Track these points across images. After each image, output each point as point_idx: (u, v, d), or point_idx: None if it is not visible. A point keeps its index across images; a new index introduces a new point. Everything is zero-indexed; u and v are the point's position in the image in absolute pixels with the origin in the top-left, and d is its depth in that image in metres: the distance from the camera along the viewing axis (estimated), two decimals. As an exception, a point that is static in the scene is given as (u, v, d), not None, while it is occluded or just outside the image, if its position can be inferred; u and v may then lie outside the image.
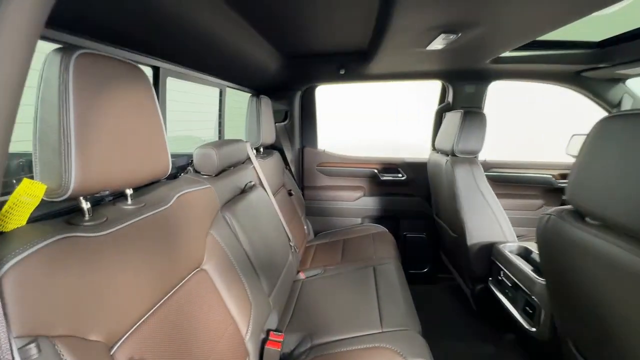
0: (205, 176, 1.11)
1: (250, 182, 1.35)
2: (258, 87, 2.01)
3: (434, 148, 2.09)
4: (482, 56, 1.45)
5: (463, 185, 1.46)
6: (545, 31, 1.04)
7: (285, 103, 2.10)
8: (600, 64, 1.49)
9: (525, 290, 1.15)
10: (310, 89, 2.13)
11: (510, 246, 1.37)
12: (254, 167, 1.48)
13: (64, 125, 0.50)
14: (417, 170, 2.15)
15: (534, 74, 1.75)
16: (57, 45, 0.56)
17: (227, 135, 1.77)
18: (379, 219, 2.21)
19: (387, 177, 2.18)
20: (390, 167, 2.19)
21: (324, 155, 2.23)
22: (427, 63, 1.66)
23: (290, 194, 1.95)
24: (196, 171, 1.12)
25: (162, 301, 0.68)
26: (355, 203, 2.19)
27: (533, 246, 1.33)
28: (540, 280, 1.07)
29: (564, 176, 2.04)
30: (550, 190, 2.07)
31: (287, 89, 2.07)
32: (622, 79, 1.75)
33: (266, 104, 1.74)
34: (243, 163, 1.44)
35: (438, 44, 1.15)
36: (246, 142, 1.48)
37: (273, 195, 1.58)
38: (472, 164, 1.48)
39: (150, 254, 0.66)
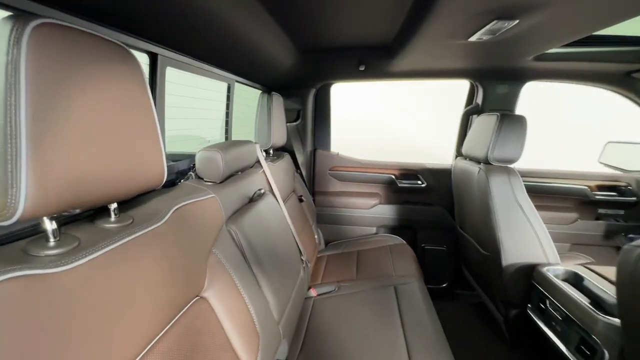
0: (208, 183, 0.96)
1: (260, 189, 1.20)
2: (270, 84, 1.86)
3: (458, 154, 1.92)
4: (527, 51, 1.28)
5: (499, 198, 1.29)
6: (617, 21, 0.87)
7: (298, 101, 1.95)
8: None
9: (582, 326, 0.97)
10: (325, 86, 1.98)
11: (555, 270, 1.20)
12: (263, 172, 1.33)
13: (11, 120, 0.36)
14: (438, 178, 1.98)
15: (577, 74, 1.57)
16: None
17: (236, 136, 1.62)
18: (395, 229, 2.05)
19: (405, 184, 2.01)
20: (409, 173, 2.02)
21: (337, 159, 2.08)
22: (456, 60, 1.49)
23: (300, 200, 1.80)
24: (198, 177, 0.97)
25: (154, 341, 0.53)
26: (370, 211, 2.03)
27: (582, 270, 1.16)
28: (606, 318, 0.90)
29: (600, 187, 1.86)
30: (585, 203, 1.89)
31: (300, 86, 1.92)
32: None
33: (278, 102, 1.59)
34: (252, 167, 1.29)
35: (485, 33, 0.98)
36: (255, 143, 1.33)
37: (283, 202, 1.43)
38: (510, 174, 1.30)
39: (139, 286, 0.52)
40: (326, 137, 2.08)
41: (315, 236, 1.90)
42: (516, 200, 1.28)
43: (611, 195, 1.84)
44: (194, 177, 0.98)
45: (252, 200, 1.12)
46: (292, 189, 1.75)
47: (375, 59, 1.59)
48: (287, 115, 1.97)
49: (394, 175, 2.02)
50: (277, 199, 1.34)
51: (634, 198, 1.80)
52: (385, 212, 2.02)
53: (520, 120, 1.33)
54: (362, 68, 1.63)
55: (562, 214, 1.88)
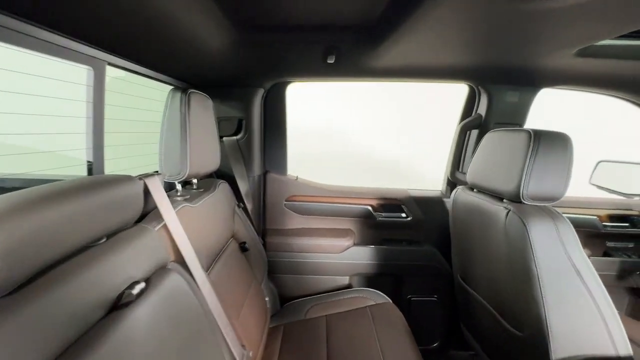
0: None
1: (136, 283, 0.59)
2: (192, 79, 1.27)
3: (453, 179, 1.49)
4: (571, 41, 0.87)
5: (547, 259, 0.85)
6: None
7: (240, 107, 1.37)
8: None
9: None
10: (278, 86, 1.43)
11: None
12: (164, 227, 0.74)
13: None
14: (427, 209, 1.53)
15: (606, 80, 1.23)
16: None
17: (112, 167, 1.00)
18: (374, 278, 1.55)
19: (386, 218, 1.53)
20: (390, 203, 1.55)
21: (296, 185, 1.53)
22: (460, 54, 1.06)
23: (244, 249, 1.22)
24: None
25: None
26: (341, 256, 1.51)
27: None
28: None
29: (611, 217, 1.56)
30: (594, 236, 1.58)
31: (242, 85, 1.35)
32: None
33: (203, 105, 1.01)
34: (130, 228, 0.68)
35: None
36: (153, 175, 0.74)
37: (216, 256, 0.89)
38: (557, 220, 0.87)
39: None
40: (281, 155, 1.53)
41: (267, 298, 1.32)
42: (571, 261, 0.85)
43: (622, 227, 1.54)
44: None
45: (117, 307, 0.52)
46: (231, 233, 1.17)
47: (350, 48, 1.09)
48: (223, 126, 1.38)
49: (371, 206, 1.54)
50: (191, 275, 0.75)
51: None
52: (361, 255, 1.52)
53: (565, 140, 0.91)
54: (331, 60, 1.12)
55: None
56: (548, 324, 0.85)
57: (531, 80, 1.26)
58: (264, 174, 1.52)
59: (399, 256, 1.53)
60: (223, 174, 1.38)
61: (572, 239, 0.86)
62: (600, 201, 1.58)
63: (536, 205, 0.92)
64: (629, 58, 1.01)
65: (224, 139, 1.38)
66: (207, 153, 1.03)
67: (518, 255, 0.89)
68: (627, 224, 1.54)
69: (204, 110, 1.01)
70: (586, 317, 0.84)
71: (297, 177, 1.56)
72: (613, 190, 1.69)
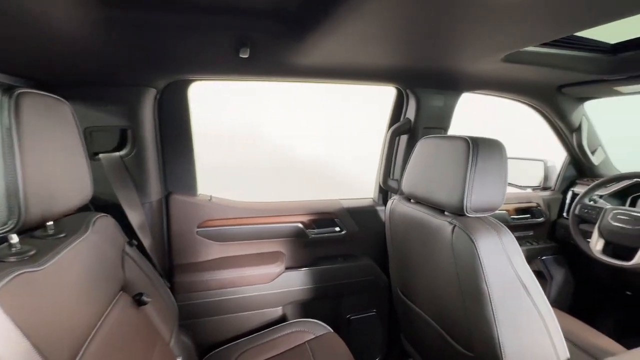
0: None
1: None
2: (42, 77, 0.89)
3: (386, 187, 1.42)
4: (504, 44, 0.84)
5: (496, 277, 0.79)
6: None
7: (121, 113, 1.02)
8: (614, 75, 1.11)
9: None
10: (176, 86, 1.12)
11: None
12: None
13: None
14: (361, 220, 1.43)
15: (514, 85, 1.30)
16: None
17: None
18: (310, 304, 1.38)
19: (318, 234, 1.38)
20: (322, 217, 1.39)
21: (210, 207, 1.25)
22: (387, 55, 0.96)
23: (140, 302, 0.90)
24: None
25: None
26: (272, 285, 1.29)
27: None
28: None
29: (517, 211, 1.71)
30: None
31: (121, 85, 1.00)
32: (583, 100, 1.50)
33: (50, 111, 0.67)
34: None
35: None
36: None
37: (91, 331, 0.60)
38: (500, 232, 0.83)
39: None
40: (187, 171, 1.22)
41: (179, 359, 1.02)
42: (517, 276, 0.81)
43: (525, 218, 1.71)
44: None
45: None
46: (120, 286, 0.84)
47: (267, 41, 0.88)
48: (97, 138, 1.02)
49: (302, 222, 1.36)
50: None
51: (542, 218, 1.72)
52: (295, 280, 1.33)
53: (500, 147, 0.88)
54: (244, 54, 0.88)
55: None
56: (501, 344, 0.80)
57: (456, 85, 1.25)
58: (166, 196, 1.19)
59: (336, 275, 1.39)
60: (104, 204, 1.01)
61: (515, 250, 0.83)
62: (509, 196, 1.72)
63: (479, 218, 0.87)
64: (547, 65, 1.06)
65: (101, 156, 1.01)
66: (63, 180, 0.69)
67: (468, 274, 0.82)
68: (528, 215, 1.71)
69: (53, 119, 0.67)
70: (535, 333, 0.82)
71: (210, 197, 1.27)
72: (511, 184, 1.88)
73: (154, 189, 1.12)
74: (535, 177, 1.79)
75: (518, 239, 1.75)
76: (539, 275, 1.76)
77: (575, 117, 1.52)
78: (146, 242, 1.07)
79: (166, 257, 1.22)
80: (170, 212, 1.20)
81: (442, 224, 0.89)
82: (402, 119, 1.34)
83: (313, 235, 1.36)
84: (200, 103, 1.26)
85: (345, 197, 1.48)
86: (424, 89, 1.25)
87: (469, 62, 1.01)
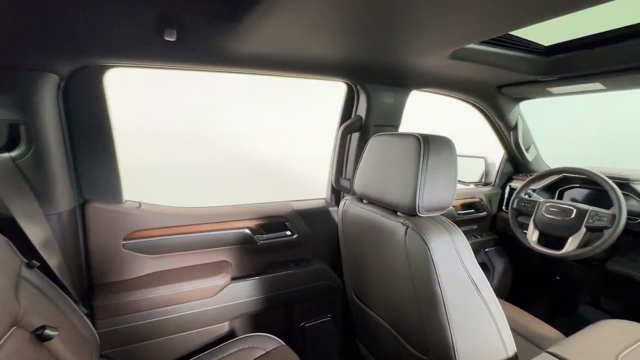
0: None
1: None
2: None
3: (338, 187, 1.36)
4: (451, 39, 0.82)
5: (449, 279, 0.77)
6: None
7: (10, 105, 0.81)
8: (547, 76, 1.17)
9: None
10: (87, 73, 0.93)
11: None
12: None
13: None
14: (313, 222, 1.36)
15: (459, 84, 1.32)
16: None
17: None
18: (261, 315, 1.28)
19: (267, 240, 1.28)
20: (272, 221, 1.30)
21: (140, 216, 1.08)
22: (334, 47, 0.91)
23: (43, 337, 0.72)
24: None
25: None
26: (217, 299, 1.16)
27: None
28: None
29: (463, 206, 1.77)
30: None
31: (11, 69, 0.80)
32: (519, 100, 1.59)
33: None
34: None
35: None
36: None
37: None
38: (452, 232, 0.81)
39: None
40: (109, 174, 1.04)
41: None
42: (469, 275, 0.80)
43: (470, 213, 1.78)
44: None
45: None
46: (11, 320, 0.66)
47: (198, 22, 0.76)
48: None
49: (249, 228, 1.25)
50: None
51: (485, 212, 1.81)
52: (242, 291, 1.21)
53: (449, 144, 0.86)
54: (170, 37, 0.75)
55: None
56: (454, 346, 0.79)
57: (405, 82, 1.23)
58: (82, 205, 1.00)
59: (287, 282, 1.30)
60: None
61: (466, 249, 0.82)
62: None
63: (431, 218, 0.85)
64: (488, 64, 1.08)
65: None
66: None
67: (422, 277, 0.79)
68: (473, 210, 1.78)
69: None
70: (486, 331, 0.82)
71: (140, 203, 1.10)
72: (458, 181, 1.96)
73: (63, 197, 0.93)
74: (477, 173, 1.88)
75: (464, 233, 1.84)
76: (483, 266, 1.86)
77: (512, 117, 1.61)
78: (53, 261, 0.88)
79: (84, 277, 1.02)
80: (87, 223, 1.01)
81: (395, 225, 0.86)
82: (353, 116, 1.29)
83: (262, 241, 1.25)
84: (134, 94, 1.08)
85: (298, 198, 1.40)
86: (374, 85, 1.22)
87: (418, 57, 0.98)
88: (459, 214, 1.74)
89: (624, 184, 1.33)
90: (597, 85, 1.18)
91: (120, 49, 0.84)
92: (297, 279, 1.32)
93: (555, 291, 1.85)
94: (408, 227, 0.81)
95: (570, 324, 1.72)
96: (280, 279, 1.29)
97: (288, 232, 1.31)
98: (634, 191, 1.32)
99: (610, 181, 1.27)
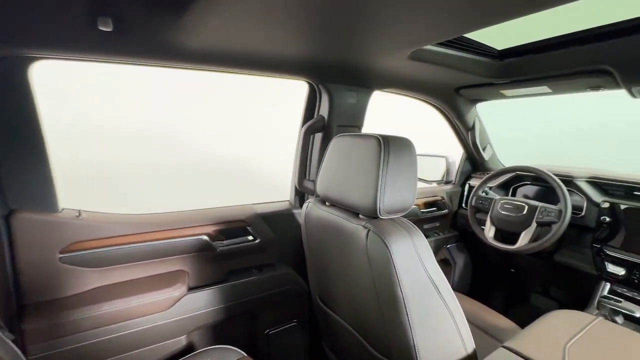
0: None
1: None
2: None
3: (302, 188, 1.33)
4: (409, 40, 0.82)
5: (410, 281, 0.76)
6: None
7: None
8: (500, 79, 1.22)
9: None
10: (8, 65, 0.81)
11: None
12: None
13: None
14: (277, 225, 1.31)
15: (421, 85, 1.33)
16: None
17: None
18: (222, 325, 1.21)
19: (228, 246, 1.21)
20: (232, 226, 1.23)
21: (79, 226, 0.97)
22: (293, 44, 0.87)
23: None
24: None
25: None
26: (172, 312, 1.08)
27: None
28: None
29: (426, 204, 1.82)
30: (415, 223, 1.80)
31: None
32: (476, 102, 1.65)
33: None
34: None
35: None
36: None
37: None
38: (412, 234, 0.81)
39: None
40: (40, 179, 0.92)
41: None
42: (429, 276, 0.80)
43: (432, 211, 1.83)
44: None
45: None
46: None
47: (136, 10, 0.68)
48: None
49: (207, 234, 1.17)
50: None
51: (446, 210, 1.86)
52: (201, 302, 1.14)
53: (409, 145, 0.86)
54: (105, 27, 0.67)
55: None
56: (416, 347, 0.78)
57: (367, 82, 1.23)
58: (6, 216, 0.88)
59: (250, 289, 1.25)
60: None
61: (426, 250, 0.82)
62: (418, 191, 1.81)
63: (392, 220, 0.84)
64: (447, 66, 1.09)
65: None
66: None
67: (383, 280, 0.78)
68: (435, 208, 1.83)
69: None
70: (446, 331, 0.82)
71: (79, 211, 0.99)
72: (419, 179, 2.01)
73: None
74: (439, 171, 1.93)
75: (427, 230, 1.88)
76: (445, 262, 1.92)
77: (470, 118, 1.67)
78: None
79: (12, 297, 0.90)
80: (14, 236, 0.89)
81: (357, 228, 0.84)
82: (315, 116, 1.26)
83: (222, 248, 1.19)
84: (77, 88, 0.97)
85: (260, 201, 1.34)
86: (336, 85, 1.20)
87: (378, 58, 0.98)
88: (422, 212, 1.77)
89: (569, 181, 1.42)
90: (545, 89, 1.25)
91: (46, 38, 0.74)
92: (260, 285, 1.27)
93: (511, 283, 1.96)
94: (369, 230, 0.80)
95: (524, 313, 1.83)
96: (243, 286, 1.23)
97: (250, 237, 1.26)
98: (577, 187, 1.42)
99: (556, 178, 1.35)
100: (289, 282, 1.32)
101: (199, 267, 1.18)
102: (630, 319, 1.16)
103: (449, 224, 1.95)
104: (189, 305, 1.11)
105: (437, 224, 1.91)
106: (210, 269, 1.20)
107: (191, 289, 1.15)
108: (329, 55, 0.99)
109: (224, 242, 1.20)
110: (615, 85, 1.10)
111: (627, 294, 1.24)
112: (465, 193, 1.92)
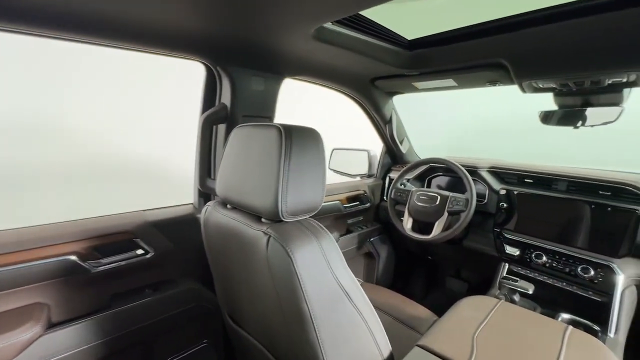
0: None
1: None
2: None
3: (205, 189, 1.14)
4: (308, 14, 0.71)
5: (318, 293, 0.66)
6: None
7: None
8: (410, 70, 1.19)
9: None
10: None
11: None
12: None
13: None
14: (176, 234, 1.11)
15: (333, 73, 1.25)
16: None
17: None
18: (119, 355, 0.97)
19: (107, 265, 0.97)
20: (113, 239, 0.99)
21: None
22: (174, 10, 0.70)
23: None
24: None
25: None
26: (25, 356, 0.81)
27: None
28: None
29: (349, 199, 1.78)
30: (339, 218, 1.76)
31: None
32: (392, 95, 1.65)
33: None
34: None
35: None
36: None
37: None
38: (320, 238, 0.71)
39: None
40: None
41: None
42: (340, 285, 0.71)
43: (355, 205, 1.81)
44: None
45: None
46: None
47: None
48: None
49: (76, 253, 0.92)
50: None
51: (369, 204, 1.86)
52: (67, 341, 0.89)
53: (316, 137, 0.76)
54: None
55: None
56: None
57: (276, 67, 1.09)
58: None
59: (143, 313, 1.03)
60: None
61: (336, 254, 0.73)
62: (340, 186, 1.77)
63: (298, 223, 0.73)
64: (358, 52, 1.02)
65: None
66: None
67: (286, 295, 0.67)
68: (358, 202, 1.81)
69: None
70: (360, 340, 0.75)
71: None
72: (344, 173, 1.97)
73: None
74: (362, 165, 1.92)
75: (351, 225, 1.84)
76: (369, 256, 1.92)
77: (387, 110, 1.67)
78: None
79: None
80: None
81: (257, 234, 0.71)
82: (217, 103, 1.09)
83: (98, 268, 0.94)
84: None
85: (154, 206, 1.12)
86: (239, 69, 1.04)
87: (280, 36, 0.85)
88: (345, 207, 1.73)
89: (474, 171, 1.51)
90: (450, 82, 1.29)
91: None
92: (157, 306, 1.05)
93: (429, 269, 2.07)
94: (270, 236, 0.67)
95: (441, 297, 1.94)
96: (132, 311, 1.00)
97: (139, 251, 1.03)
98: (480, 177, 1.51)
99: (463, 169, 1.42)
100: (194, 298, 1.14)
101: (66, 296, 0.92)
102: (525, 296, 1.28)
103: (372, 217, 1.96)
104: (49, 347, 0.85)
105: (361, 218, 1.90)
106: (82, 297, 0.94)
107: (54, 325, 0.88)
108: (224, 31, 0.83)
109: (102, 260, 0.96)
110: (509, 80, 1.17)
111: (522, 273, 1.37)
112: (386, 186, 1.94)
